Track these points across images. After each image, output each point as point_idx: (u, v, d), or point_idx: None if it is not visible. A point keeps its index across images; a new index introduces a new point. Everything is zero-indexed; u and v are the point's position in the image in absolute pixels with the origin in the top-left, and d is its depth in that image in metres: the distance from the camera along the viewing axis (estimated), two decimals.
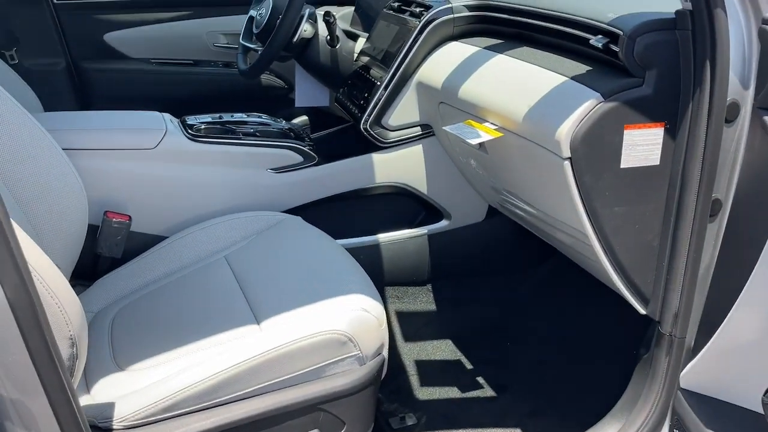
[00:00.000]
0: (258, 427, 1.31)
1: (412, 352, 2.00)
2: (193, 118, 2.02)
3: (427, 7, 1.94)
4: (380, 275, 2.11)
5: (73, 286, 1.13)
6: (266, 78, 3.02)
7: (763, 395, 1.34)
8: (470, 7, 1.91)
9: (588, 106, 1.29)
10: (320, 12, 2.22)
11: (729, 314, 1.33)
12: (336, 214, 2.03)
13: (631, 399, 1.51)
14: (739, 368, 1.39)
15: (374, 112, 1.99)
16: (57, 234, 1.43)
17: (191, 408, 1.26)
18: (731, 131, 1.27)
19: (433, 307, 2.17)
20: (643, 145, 1.31)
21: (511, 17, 1.75)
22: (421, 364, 1.95)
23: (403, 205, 2.11)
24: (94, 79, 3.00)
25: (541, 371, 1.91)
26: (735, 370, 1.40)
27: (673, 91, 1.28)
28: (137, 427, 1.23)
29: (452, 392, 1.84)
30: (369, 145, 2.02)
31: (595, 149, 1.30)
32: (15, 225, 0.91)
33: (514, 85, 1.54)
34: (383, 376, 1.46)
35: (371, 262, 2.04)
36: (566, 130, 1.30)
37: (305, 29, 2.14)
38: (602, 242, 1.39)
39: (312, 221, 1.82)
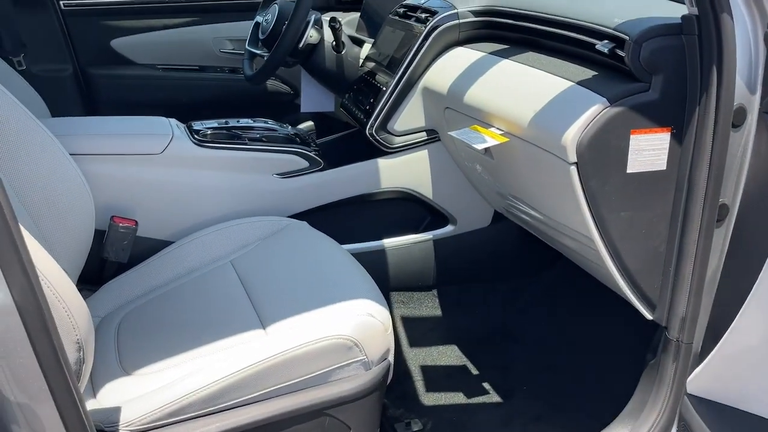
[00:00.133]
0: (264, 431, 1.31)
1: (417, 358, 1.99)
2: (199, 124, 2.02)
3: (433, 13, 1.94)
4: (386, 280, 2.11)
5: (79, 290, 1.14)
6: (272, 83, 3.04)
7: None
8: (476, 13, 1.91)
9: (594, 110, 1.28)
10: (326, 18, 2.23)
11: (736, 319, 1.33)
12: (342, 219, 2.03)
13: (638, 405, 1.50)
14: (746, 374, 1.39)
15: (380, 118, 1.99)
16: (64, 239, 1.43)
17: (197, 413, 1.26)
18: (738, 136, 1.27)
19: (438, 312, 2.16)
20: (649, 150, 1.31)
21: (517, 23, 1.75)
22: (426, 370, 1.94)
23: (408, 210, 2.11)
24: (101, 85, 3.02)
25: (548, 377, 1.90)
26: (742, 375, 1.39)
27: (679, 96, 1.28)
28: (143, 431, 1.23)
29: (458, 397, 1.83)
30: (375, 151, 2.02)
31: (602, 154, 1.30)
32: (23, 229, 0.91)
33: (519, 90, 1.54)
34: (389, 381, 1.46)
35: (377, 267, 2.04)
36: (572, 134, 1.29)
37: (311, 35, 2.15)
38: (608, 247, 1.39)
39: (318, 226, 1.82)
